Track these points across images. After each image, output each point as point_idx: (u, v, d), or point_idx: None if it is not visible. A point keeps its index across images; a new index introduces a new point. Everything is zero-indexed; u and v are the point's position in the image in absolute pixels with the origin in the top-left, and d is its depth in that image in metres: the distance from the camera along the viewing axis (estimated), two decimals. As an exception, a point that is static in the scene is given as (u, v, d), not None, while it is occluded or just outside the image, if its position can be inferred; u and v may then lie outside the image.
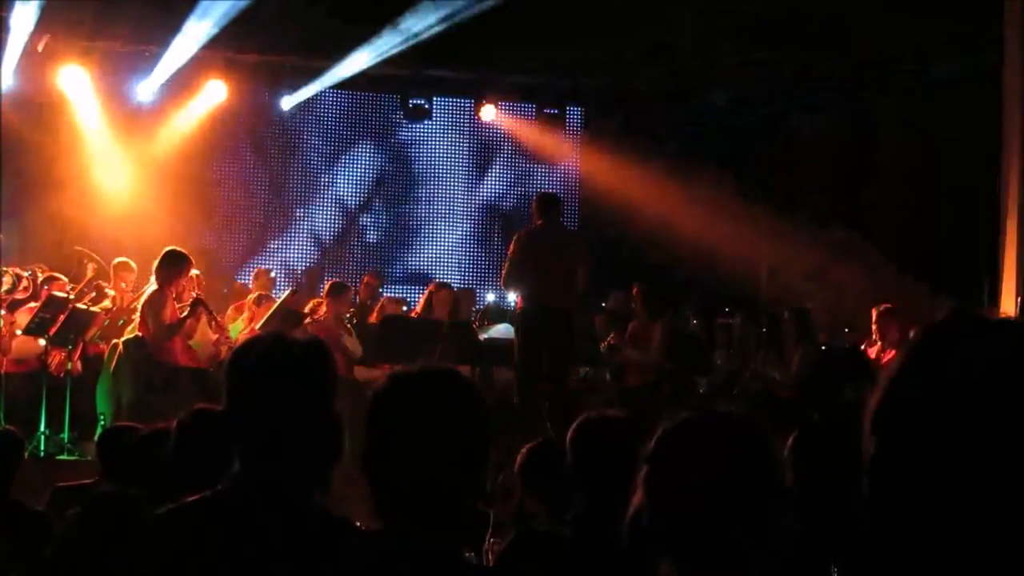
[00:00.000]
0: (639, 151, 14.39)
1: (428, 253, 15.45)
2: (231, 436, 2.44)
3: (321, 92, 14.34)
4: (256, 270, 12.21)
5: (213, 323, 9.90)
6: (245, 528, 2.34)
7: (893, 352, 10.13)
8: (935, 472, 1.19)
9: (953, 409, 1.20)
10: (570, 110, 15.20)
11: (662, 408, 8.93)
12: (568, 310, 9.33)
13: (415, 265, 15.36)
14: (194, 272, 9.76)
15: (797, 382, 9.69)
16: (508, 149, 15.53)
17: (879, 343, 10.66)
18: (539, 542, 3.40)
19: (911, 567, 1.21)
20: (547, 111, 14.98)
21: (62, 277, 10.69)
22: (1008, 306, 10.04)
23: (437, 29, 12.02)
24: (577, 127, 15.41)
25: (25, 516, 4.50)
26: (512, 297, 12.43)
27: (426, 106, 14.52)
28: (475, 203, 15.59)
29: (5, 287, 10.25)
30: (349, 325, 10.33)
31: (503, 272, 9.58)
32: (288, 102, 14.39)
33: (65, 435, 9.52)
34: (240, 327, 10.53)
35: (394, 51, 12.73)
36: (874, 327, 10.77)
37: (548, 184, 14.91)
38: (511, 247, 9.53)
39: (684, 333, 10.67)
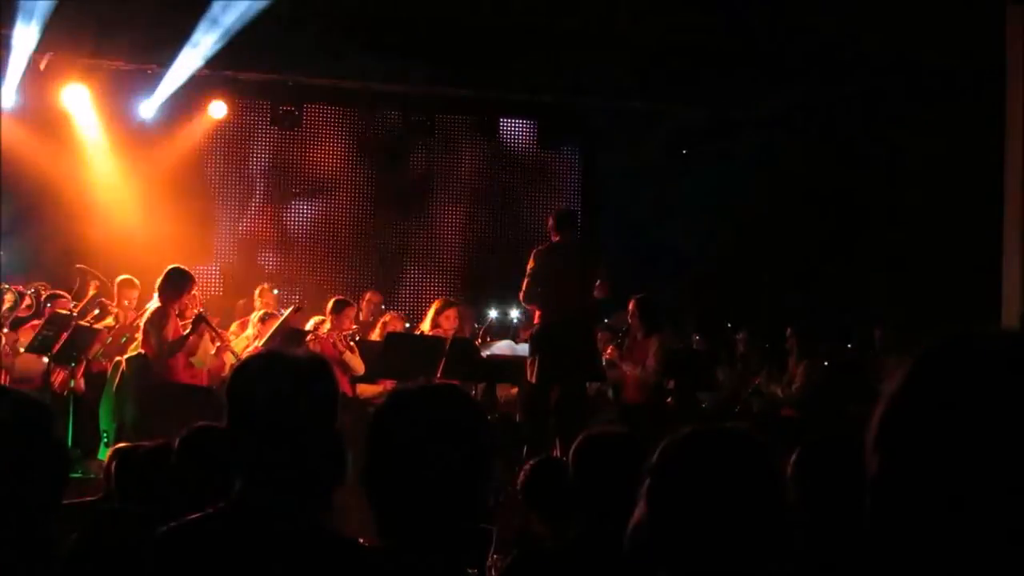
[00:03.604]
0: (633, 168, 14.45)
1: (431, 270, 15.47)
2: (233, 454, 2.43)
3: (324, 109, 14.37)
4: (260, 287, 12.19)
5: (216, 340, 9.90)
6: (247, 547, 2.34)
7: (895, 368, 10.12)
8: (938, 489, 1.19)
9: (956, 425, 1.19)
10: (570, 127, 15.25)
11: (665, 425, 8.90)
12: (587, 326, 9.34)
13: (419, 282, 15.38)
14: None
15: (800, 399, 9.67)
16: (512, 166, 15.56)
17: (880, 358, 10.66)
18: (541, 560, 3.39)
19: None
20: (549, 128, 15.05)
21: (65, 295, 10.71)
22: (1010, 320, 10.03)
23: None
24: (577, 145, 15.44)
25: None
26: (515, 313, 12.42)
27: (428, 123, 14.60)
28: (479, 221, 15.60)
29: (7, 305, 10.26)
30: (352, 342, 10.32)
31: (523, 288, 9.58)
32: (288, 120, 14.41)
33: (68, 453, 9.51)
34: (244, 344, 10.53)
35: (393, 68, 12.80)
36: (876, 342, 10.78)
37: (551, 201, 14.92)
38: (530, 263, 9.54)
39: (687, 349, 10.65)
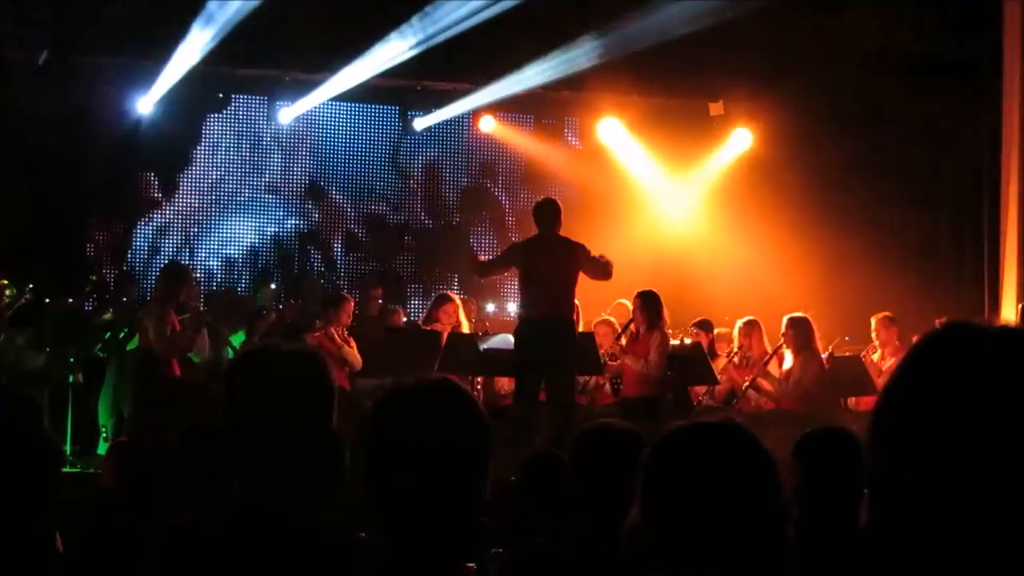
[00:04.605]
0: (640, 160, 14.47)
1: (429, 264, 15.47)
2: (230, 450, 2.43)
3: (319, 104, 14.37)
4: (259, 282, 12.22)
5: (215, 336, 9.91)
6: (246, 544, 2.33)
7: (894, 360, 10.13)
8: (937, 482, 1.19)
9: (953, 418, 1.20)
10: (568, 120, 15.26)
11: (663, 419, 8.90)
12: (567, 321, 9.28)
13: (418, 276, 15.39)
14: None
15: (796, 392, 9.68)
16: (506, 160, 15.57)
17: (879, 351, 10.66)
18: (539, 555, 3.39)
19: (913, 574, 1.22)
20: (545, 121, 15.07)
21: (64, 290, 10.70)
22: (1008, 313, 10.04)
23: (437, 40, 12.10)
24: (575, 137, 15.43)
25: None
26: (512, 307, 12.40)
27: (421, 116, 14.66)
28: (474, 214, 15.61)
29: (6, 300, 10.26)
30: (350, 336, 10.32)
31: (484, 260, 9.60)
32: (287, 115, 14.42)
33: (67, 447, 9.51)
34: (242, 339, 10.53)
35: (393, 63, 12.80)
36: (874, 335, 10.78)
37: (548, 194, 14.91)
38: (507, 247, 9.55)
39: (684, 343, 10.64)
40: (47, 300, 10.39)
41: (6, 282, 10.36)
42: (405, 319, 11.79)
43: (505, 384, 10.47)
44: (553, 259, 9.24)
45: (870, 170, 13.50)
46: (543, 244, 9.32)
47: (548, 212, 9.43)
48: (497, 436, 2.27)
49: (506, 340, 10.33)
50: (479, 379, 10.27)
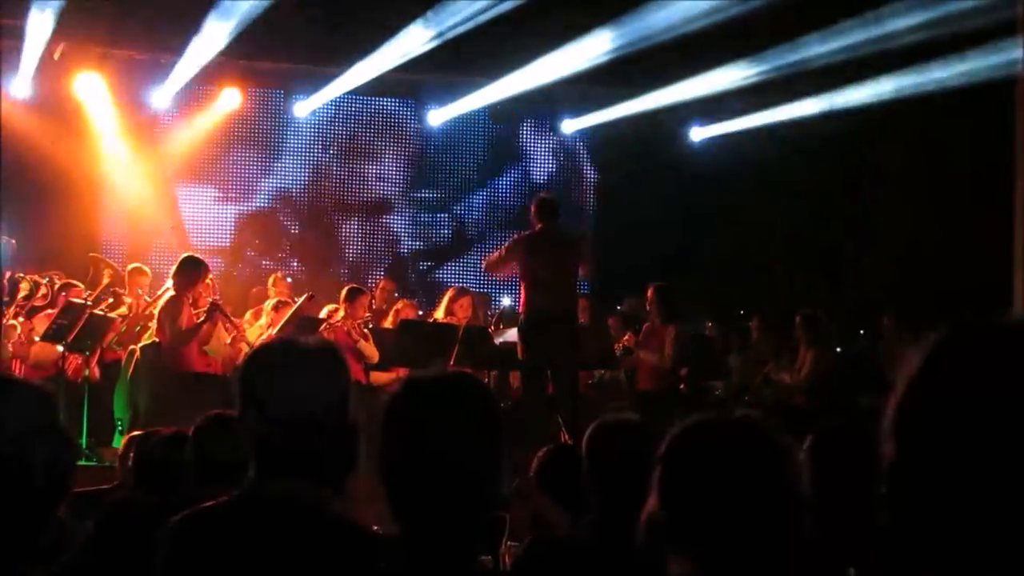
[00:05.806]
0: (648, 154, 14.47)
1: (444, 258, 15.50)
2: (246, 442, 2.44)
3: (336, 98, 14.39)
4: (274, 275, 12.22)
5: (230, 329, 9.92)
6: (260, 535, 2.34)
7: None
8: (953, 478, 1.19)
9: (973, 412, 1.19)
10: (580, 115, 15.27)
11: (677, 412, 8.90)
12: (571, 315, 9.29)
13: (432, 270, 15.41)
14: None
15: (808, 387, 9.67)
16: (522, 153, 15.58)
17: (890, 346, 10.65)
18: (555, 547, 3.39)
19: (929, 573, 1.21)
20: (557, 116, 15.10)
21: (79, 284, 10.74)
22: (1021, 308, 9.99)
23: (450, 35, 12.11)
24: (587, 131, 15.42)
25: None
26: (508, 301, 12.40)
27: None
28: (489, 208, 15.62)
29: (23, 294, 10.31)
30: (366, 330, 10.33)
31: (491, 257, 9.62)
32: (303, 108, 14.45)
33: (83, 441, 9.55)
34: (258, 333, 10.54)
35: (409, 56, 12.81)
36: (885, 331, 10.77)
37: (564, 191, 14.92)
38: (510, 243, 9.57)
39: (699, 336, 10.65)
40: (63, 293, 10.43)
41: (22, 275, 10.40)
42: (420, 312, 11.79)
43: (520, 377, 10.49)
44: (555, 254, 9.26)
45: (880, 170, 13.47)
46: (544, 239, 9.34)
47: (548, 207, 9.46)
48: (513, 429, 2.27)
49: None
50: (493, 372, 10.28)
